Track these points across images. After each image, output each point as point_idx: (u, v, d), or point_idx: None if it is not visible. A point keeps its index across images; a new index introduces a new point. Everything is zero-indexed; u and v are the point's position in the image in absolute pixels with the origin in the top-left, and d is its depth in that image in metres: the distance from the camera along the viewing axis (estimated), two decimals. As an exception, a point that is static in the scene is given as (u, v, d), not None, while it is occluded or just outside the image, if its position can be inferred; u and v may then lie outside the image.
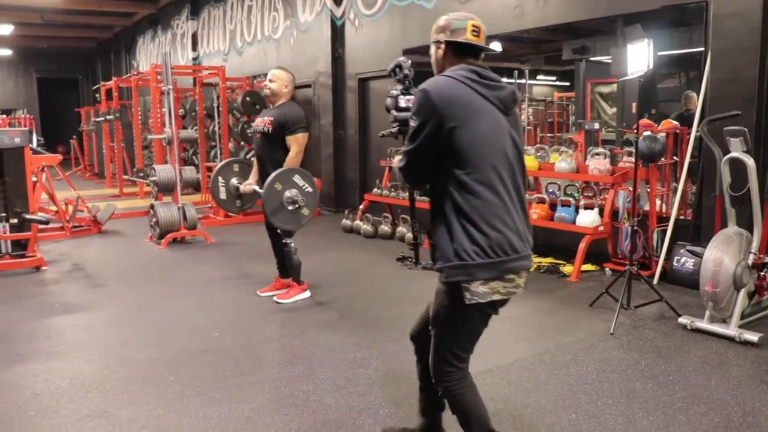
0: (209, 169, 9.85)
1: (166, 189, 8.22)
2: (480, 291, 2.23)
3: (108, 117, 14.13)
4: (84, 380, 3.80)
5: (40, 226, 7.31)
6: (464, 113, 2.22)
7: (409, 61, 2.73)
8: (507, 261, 2.24)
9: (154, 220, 8.10)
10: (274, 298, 5.34)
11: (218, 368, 3.95)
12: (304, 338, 4.46)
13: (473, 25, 2.39)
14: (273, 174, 4.92)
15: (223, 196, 5.91)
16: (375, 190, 8.55)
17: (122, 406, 3.45)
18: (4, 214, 6.85)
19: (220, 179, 5.86)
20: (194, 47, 15.43)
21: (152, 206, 8.16)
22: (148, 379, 3.79)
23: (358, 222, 8.50)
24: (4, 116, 20.63)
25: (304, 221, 5.06)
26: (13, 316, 5.10)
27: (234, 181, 5.78)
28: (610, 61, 5.34)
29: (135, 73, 12.59)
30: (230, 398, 3.51)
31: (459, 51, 2.40)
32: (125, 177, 13.63)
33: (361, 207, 8.71)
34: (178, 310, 5.23)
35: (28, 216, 6.78)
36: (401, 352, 4.04)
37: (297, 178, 4.97)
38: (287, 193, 4.90)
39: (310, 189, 5.01)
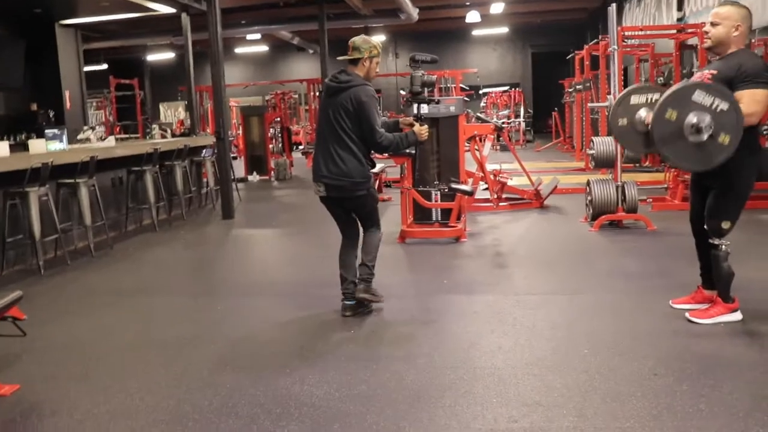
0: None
1: (604, 164, 7.33)
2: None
3: (578, 87, 13.67)
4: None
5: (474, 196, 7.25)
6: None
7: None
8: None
9: (589, 198, 7.30)
10: (687, 314, 4.06)
11: (552, 400, 3.03)
12: (701, 383, 3.15)
13: (349, 44, 4.20)
14: (663, 96, 3.71)
15: (623, 132, 4.32)
16: None
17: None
18: (437, 182, 6.95)
19: (620, 112, 4.27)
20: (680, 7, 13.74)
21: (588, 183, 7.36)
22: (452, 388, 3.12)
23: None
24: (497, 90, 22.15)
25: (721, 156, 3.59)
26: (413, 287, 5.01)
27: (642, 113, 4.15)
28: None
29: (602, 38, 11.74)
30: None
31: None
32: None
33: None
34: (565, 309, 4.39)
35: (453, 185, 6.72)
36: None
37: (699, 95, 3.54)
38: (689, 120, 3.56)
39: (724, 106, 3.52)
